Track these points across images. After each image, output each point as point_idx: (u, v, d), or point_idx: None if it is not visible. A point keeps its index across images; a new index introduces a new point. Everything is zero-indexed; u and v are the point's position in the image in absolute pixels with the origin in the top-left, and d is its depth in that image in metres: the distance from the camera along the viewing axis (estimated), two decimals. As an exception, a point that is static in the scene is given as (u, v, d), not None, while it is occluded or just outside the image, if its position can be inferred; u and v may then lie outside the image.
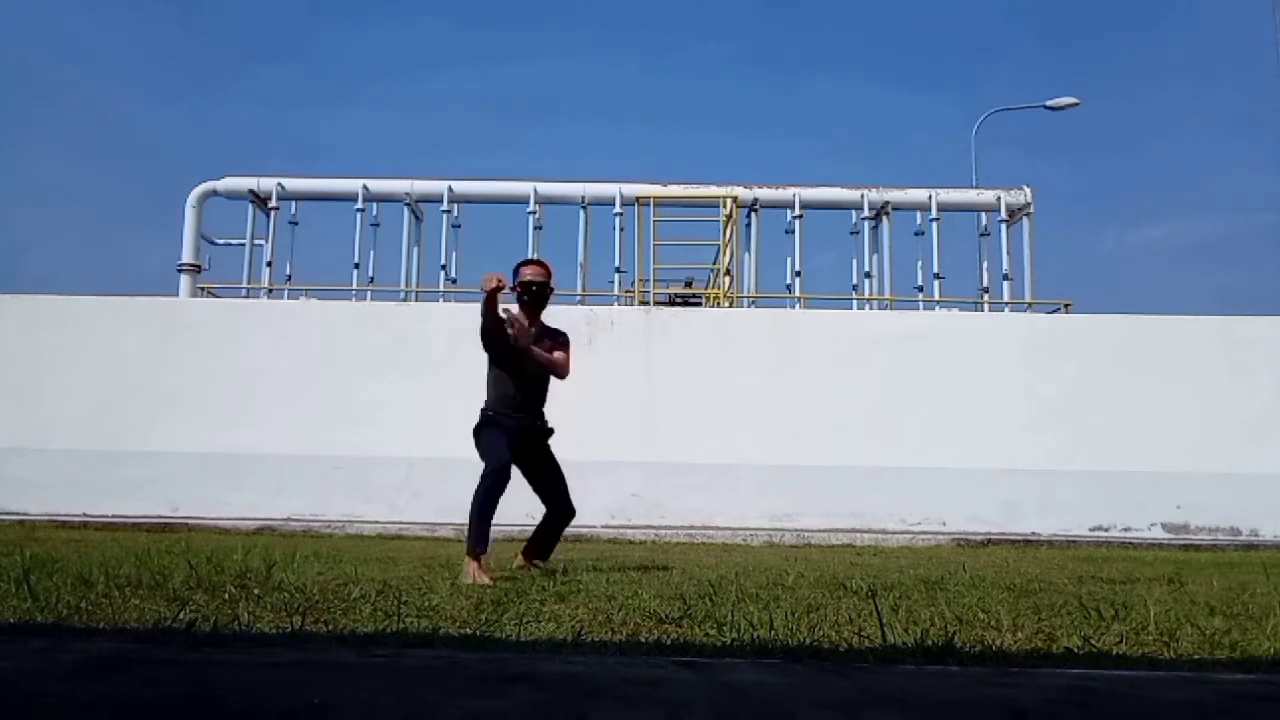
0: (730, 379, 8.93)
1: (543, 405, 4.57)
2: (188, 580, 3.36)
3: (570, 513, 4.58)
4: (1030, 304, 14.54)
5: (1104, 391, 8.85)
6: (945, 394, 8.86)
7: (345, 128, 56.42)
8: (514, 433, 4.38)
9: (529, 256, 4.95)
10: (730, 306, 13.37)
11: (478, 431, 4.45)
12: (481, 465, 4.30)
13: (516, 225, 15.72)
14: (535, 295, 4.54)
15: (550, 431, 4.57)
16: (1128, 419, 8.73)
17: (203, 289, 14.53)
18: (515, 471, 4.40)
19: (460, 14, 61.30)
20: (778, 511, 8.43)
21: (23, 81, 43.51)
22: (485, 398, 4.51)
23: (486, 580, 3.91)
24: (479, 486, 4.21)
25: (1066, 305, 13.01)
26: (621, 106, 61.59)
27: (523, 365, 4.45)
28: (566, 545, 6.30)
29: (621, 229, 15.08)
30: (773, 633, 2.44)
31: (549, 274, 4.62)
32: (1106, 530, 8.44)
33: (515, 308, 4.65)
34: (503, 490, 4.21)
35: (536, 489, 4.57)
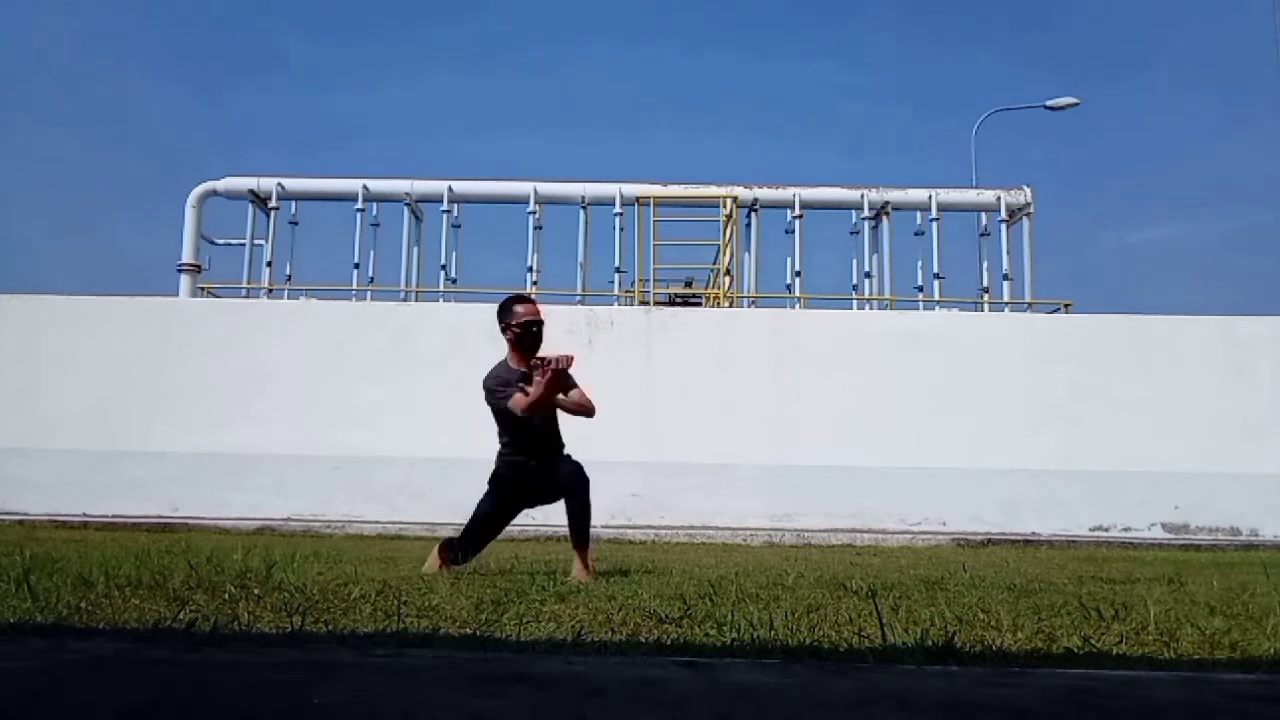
0: (730, 379, 8.92)
1: (560, 435, 4.37)
2: (188, 580, 3.36)
3: (577, 474, 4.23)
4: (1030, 304, 14.55)
5: (1104, 391, 8.85)
6: (945, 394, 8.86)
7: (345, 128, 56.44)
8: (525, 483, 4.26)
9: (518, 293, 4.73)
10: (730, 306, 13.37)
11: (492, 479, 4.35)
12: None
13: (516, 225, 15.76)
14: (537, 335, 4.24)
15: (559, 450, 4.39)
16: (1128, 419, 8.72)
17: (203, 289, 14.54)
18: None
19: (460, 14, 61.31)
20: (778, 511, 8.42)
21: (21, 82, 43.51)
22: (500, 438, 4.31)
23: (434, 567, 4.08)
24: (467, 528, 4.29)
25: (1066, 305, 13.03)
26: (622, 106, 61.62)
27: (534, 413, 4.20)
28: (567, 545, 6.29)
29: (621, 229, 15.09)
30: (773, 633, 2.43)
31: (539, 310, 4.36)
32: (1106, 530, 8.44)
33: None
34: (475, 552, 4.27)
35: (557, 494, 4.33)
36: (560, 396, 4.21)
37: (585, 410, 4.27)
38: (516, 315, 4.21)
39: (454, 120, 59.66)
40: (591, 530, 4.30)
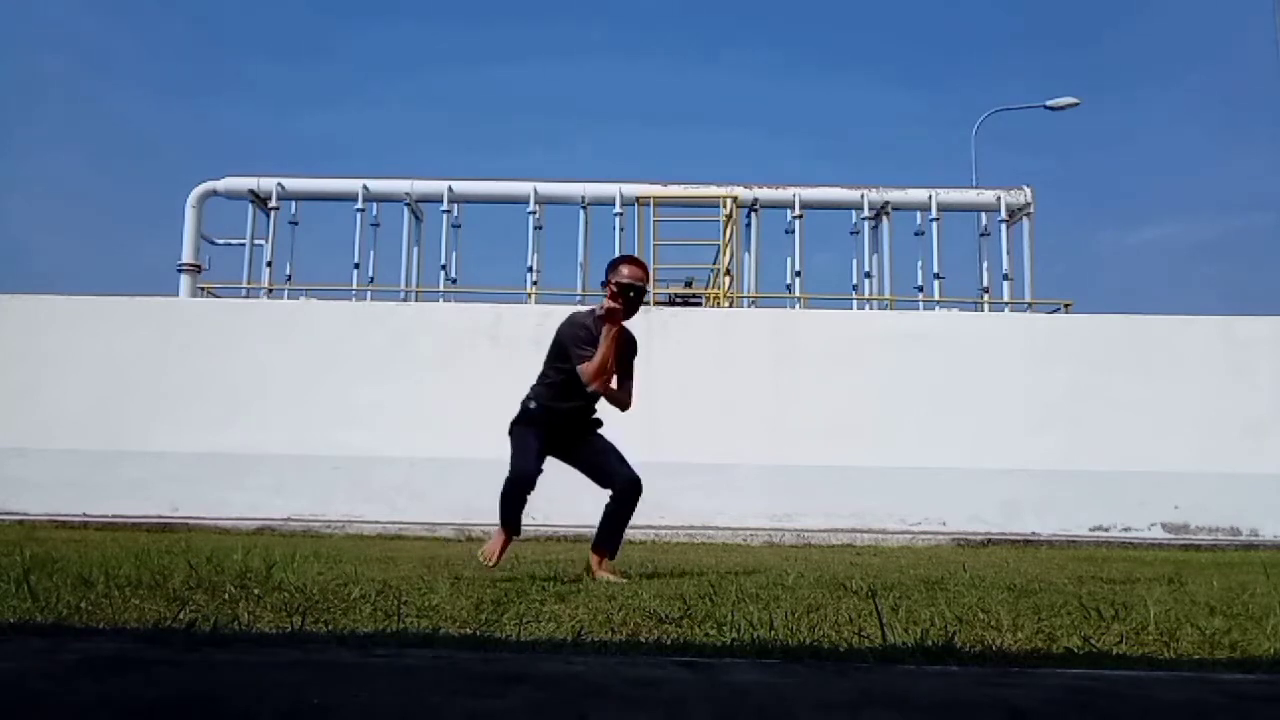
0: (730, 379, 8.93)
1: (595, 400, 4.23)
2: (188, 580, 3.36)
3: (634, 484, 4.13)
4: (1030, 304, 14.55)
5: (1104, 391, 8.85)
6: (945, 394, 8.86)
7: (345, 126, 56.47)
8: (551, 428, 4.14)
9: (630, 255, 4.43)
10: (730, 306, 13.37)
11: (513, 427, 4.20)
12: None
13: (516, 225, 15.76)
14: (634, 301, 4.07)
15: (599, 423, 4.30)
16: (1128, 419, 8.73)
17: (203, 289, 14.54)
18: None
19: (459, 13, 61.32)
20: (778, 511, 8.43)
21: (23, 78, 43.53)
22: (534, 386, 4.23)
23: (493, 559, 4.01)
24: (504, 486, 4.11)
25: (1066, 305, 13.03)
26: (622, 106, 61.64)
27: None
28: (567, 545, 6.30)
29: (621, 229, 15.10)
30: (773, 633, 2.43)
31: (647, 276, 4.18)
32: (1106, 530, 8.44)
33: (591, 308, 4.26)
34: (523, 496, 4.07)
35: (592, 476, 4.24)
36: (612, 386, 4.15)
37: (622, 403, 4.20)
38: (619, 274, 4.07)
39: (454, 120, 59.68)
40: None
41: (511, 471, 4.09)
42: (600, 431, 4.31)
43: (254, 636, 2.24)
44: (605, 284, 4.13)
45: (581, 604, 3.05)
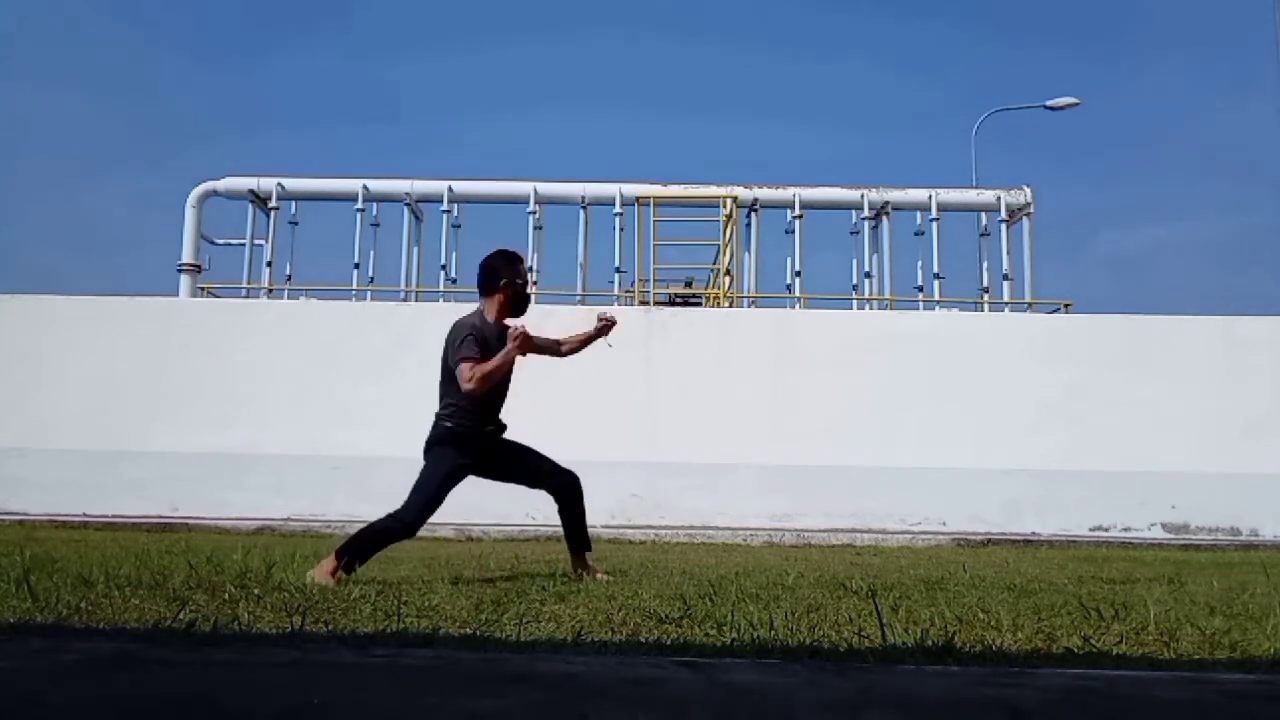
0: (730, 379, 8.92)
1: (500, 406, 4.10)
2: (188, 580, 3.36)
3: (572, 478, 4.11)
4: (1030, 304, 14.55)
5: (1104, 391, 8.84)
6: (945, 394, 8.86)
7: (343, 124, 56.45)
8: (473, 450, 3.92)
9: (508, 249, 4.13)
10: (730, 306, 13.37)
11: (430, 448, 3.98)
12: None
13: (516, 225, 15.78)
14: (528, 300, 4.05)
15: (504, 427, 4.11)
16: (1128, 419, 8.72)
17: (203, 289, 14.55)
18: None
19: (459, 15, 61.31)
20: (778, 511, 8.42)
21: (22, 73, 43.52)
22: (448, 404, 3.96)
23: (330, 582, 3.50)
24: (382, 521, 3.77)
25: (1066, 305, 13.03)
26: (622, 105, 61.61)
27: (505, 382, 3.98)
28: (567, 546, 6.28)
29: (621, 229, 15.10)
30: (773, 633, 2.43)
31: None
32: (1106, 530, 8.44)
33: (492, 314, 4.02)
34: (391, 544, 3.81)
35: (526, 482, 4.13)
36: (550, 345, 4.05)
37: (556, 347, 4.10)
38: (522, 274, 3.95)
39: (452, 117, 59.67)
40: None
41: (401, 515, 3.77)
42: (508, 436, 4.12)
43: (254, 636, 2.24)
44: (506, 283, 3.89)
45: (581, 604, 3.05)
